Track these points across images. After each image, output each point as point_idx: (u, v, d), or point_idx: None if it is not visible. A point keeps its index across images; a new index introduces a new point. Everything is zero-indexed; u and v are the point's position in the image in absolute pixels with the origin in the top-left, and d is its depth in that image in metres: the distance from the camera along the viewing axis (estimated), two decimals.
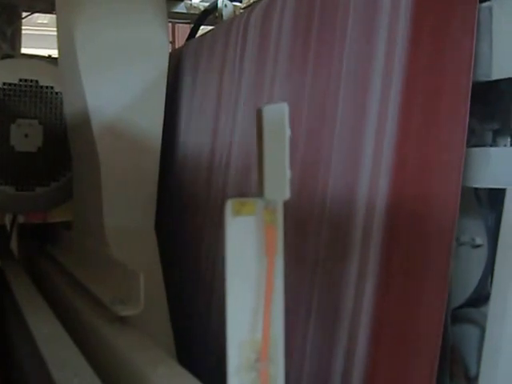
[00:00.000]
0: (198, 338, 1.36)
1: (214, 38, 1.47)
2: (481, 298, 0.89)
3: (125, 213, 1.48)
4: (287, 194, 0.56)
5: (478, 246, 0.89)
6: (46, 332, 1.10)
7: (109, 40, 1.45)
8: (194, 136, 1.52)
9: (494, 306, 0.73)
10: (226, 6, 2.76)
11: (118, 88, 1.46)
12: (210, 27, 2.84)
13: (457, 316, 0.88)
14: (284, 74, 1.14)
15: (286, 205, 0.59)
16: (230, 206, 0.58)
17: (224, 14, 2.78)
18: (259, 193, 0.58)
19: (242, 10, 2.80)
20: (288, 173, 0.55)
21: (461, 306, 0.90)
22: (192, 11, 2.89)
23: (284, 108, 0.54)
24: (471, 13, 0.75)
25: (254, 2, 2.77)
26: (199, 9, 2.84)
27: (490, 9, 0.76)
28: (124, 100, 1.46)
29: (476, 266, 0.88)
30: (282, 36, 1.15)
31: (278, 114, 0.54)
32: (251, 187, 1.20)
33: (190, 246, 1.46)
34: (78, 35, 1.44)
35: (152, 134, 1.49)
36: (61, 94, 1.80)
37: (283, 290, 0.61)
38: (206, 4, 2.87)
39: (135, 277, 1.11)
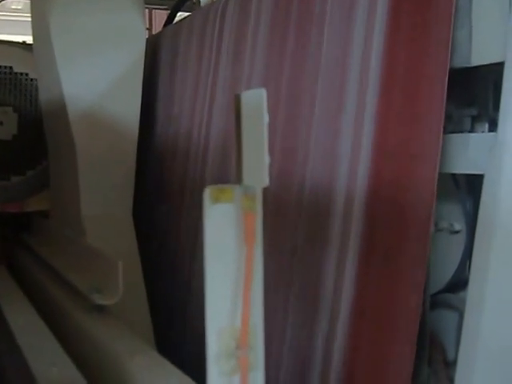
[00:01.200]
0: (177, 326, 1.36)
1: (191, 25, 1.47)
2: (459, 283, 0.90)
3: (102, 200, 1.48)
4: (266, 181, 0.55)
5: (457, 231, 0.90)
6: (23, 322, 1.10)
7: (84, 26, 1.45)
8: (171, 122, 1.52)
9: (472, 292, 0.74)
10: None
11: (93, 74, 1.46)
12: (187, 13, 2.82)
13: (435, 301, 0.89)
14: (262, 60, 1.14)
15: (265, 191, 0.58)
16: (208, 193, 0.57)
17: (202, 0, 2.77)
18: (238, 180, 0.57)
19: None
20: (267, 159, 0.55)
21: (439, 292, 0.91)
22: None
23: (262, 94, 0.53)
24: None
25: None
26: None
27: None
28: (100, 86, 1.46)
29: (454, 251, 0.89)
30: (261, 22, 1.15)
31: (256, 99, 0.54)
32: (229, 173, 1.20)
33: (168, 233, 1.47)
34: (52, 21, 1.43)
35: (129, 120, 1.49)
36: (36, 80, 1.78)
37: (262, 277, 0.61)
38: None
39: (113, 265, 1.11)
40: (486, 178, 0.72)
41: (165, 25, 2.31)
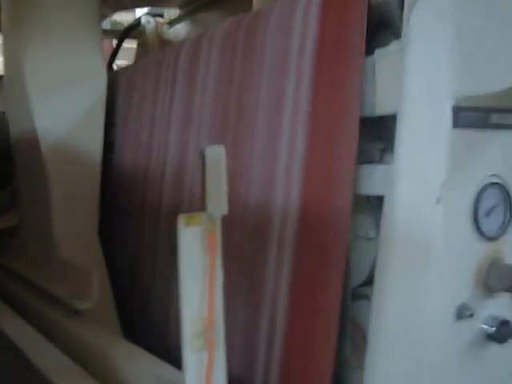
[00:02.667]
0: (140, 323, 1.54)
1: (146, 67, 1.66)
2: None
3: (71, 220, 1.65)
4: (226, 210, 0.78)
5: (371, 238, 1.09)
6: (15, 329, 1.27)
7: (54, 68, 1.63)
8: (129, 152, 1.70)
9: (377, 284, 0.94)
10: (149, 21, 2.91)
11: (62, 110, 1.64)
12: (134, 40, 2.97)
13: (356, 294, 1.09)
14: (211, 100, 1.33)
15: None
16: (181, 219, 0.79)
17: (147, 29, 2.93)
18: (203, 209, 0.79)
19: (165, 25, 2.96)
20: (226, 194, 0.77)
21: (360, 286, 1.09)
22: (116, 27, 2.96)
23: (222, 150, 0.75)
24: (359, 65, 0.97)
25: (175, 18, 2.94)
26: (123, 25, 2.93)
27: (374, 62, 0.99)
28: (68, 121, 1.64)
29: (370, 253, 1.06)
30: (210, 66, 1.35)
31: (217, 154, 0.76)
32: (183, 195, 1.39)
33: (130, 246, 1.65)
34: (26, 64, 1.61)
35: (93, 150, 1.68)
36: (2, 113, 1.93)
37: (222, 279, 0.83)
38: (130, 19, 2.99)
39: (89, 275, 1.30)
40: (385, 198, 0.94)
41: (112, 53, 2.49)
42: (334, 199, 1.01)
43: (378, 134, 1.05)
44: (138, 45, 2.98)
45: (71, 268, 1.43)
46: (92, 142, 1.68)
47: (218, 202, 0.78)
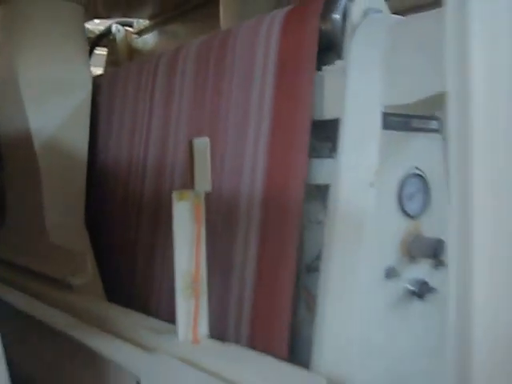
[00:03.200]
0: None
1: (128, 72, 1.84)
2: None
3: (61, 211, 1.83)
4: (209, 188, 1.01)
5: (320, 221, 1.23)
6: (21, 299, 1.46)
7: (46, 73, 1.81)
8: (113, 149, 1.88)
9: (324, 255, 1.12)
10: (119, 30, 3.10)
11: (54, 112, 1.82)
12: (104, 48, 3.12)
13: (310, 267, 1.26)
14: (187, 103, 1.51)
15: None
16: (175, 195, 1.03)
17: (117, 37, 3.11)
18: (191, 187, 1.03)
19: (134, 35, 3.14)
20: (209, 175, 1.00)
21: (312, 261, 1.26)
22: (88, 35, 3.10)
23: (207, 141, 0.98)
24: (311, 78, 1.19)
25: (144, 28, 3.12)
26: (94, 33, 3.07)
27: (322, 77, 1.20)
28: (59, 122, 1.83)
29: (320, 234, 1.17)
30: (186, 74, 1.54)
31: (203, 144, 0.99)
32: (163, 187, 1.57)
33: (114, 234, 1.82)
34: (20, 71, 1.79)
35: (80, 147, 1.87)
36: None
37: (205, 243, 1.06)
38: (101, 28, 3.15)
39: (83, 255, 1.51)
40: (331, 187, 1.14)
41: None
42: (291, 188, 1.20)
43: (326, 133, 1.24)
44: (108, 52, 3.15)
45: (65, 251, 1.60)
46: (79, 139, 1.86)
47: (203, 181, 1.01)
